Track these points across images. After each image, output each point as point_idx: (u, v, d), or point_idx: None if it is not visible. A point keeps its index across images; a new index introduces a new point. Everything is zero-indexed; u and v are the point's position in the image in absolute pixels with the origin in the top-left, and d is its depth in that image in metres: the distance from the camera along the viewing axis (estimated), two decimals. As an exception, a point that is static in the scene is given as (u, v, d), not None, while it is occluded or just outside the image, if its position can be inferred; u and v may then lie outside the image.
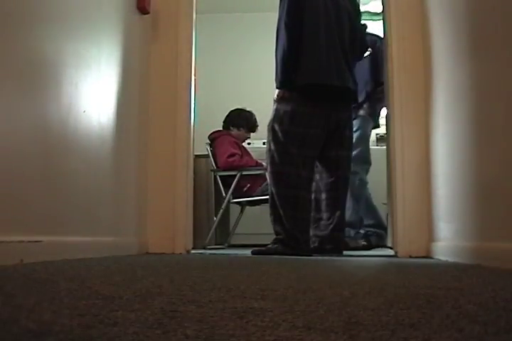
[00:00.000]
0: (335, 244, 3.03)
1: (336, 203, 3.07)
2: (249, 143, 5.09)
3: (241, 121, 4.62)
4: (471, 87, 2.25)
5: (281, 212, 2.96)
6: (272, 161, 3.03)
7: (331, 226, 3.03)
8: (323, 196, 3.09)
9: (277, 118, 3.04)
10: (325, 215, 3.07)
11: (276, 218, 2.99)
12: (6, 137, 1.67)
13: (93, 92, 2.38)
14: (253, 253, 2.99)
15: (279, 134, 3.02)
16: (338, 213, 3.05)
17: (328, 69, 2.98)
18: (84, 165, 2.26)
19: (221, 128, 4.67)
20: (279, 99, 3.04)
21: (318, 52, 2.99)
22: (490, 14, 2.05)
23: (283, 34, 2.97)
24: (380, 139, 5.26)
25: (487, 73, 2.06)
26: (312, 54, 2.98)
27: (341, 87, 3.05)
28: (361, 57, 3.41)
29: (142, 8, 3.01)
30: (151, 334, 0.61)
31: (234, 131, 4.62)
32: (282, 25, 2.98)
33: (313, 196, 3.07)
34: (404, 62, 3.11)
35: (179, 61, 3.20)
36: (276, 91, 3.06)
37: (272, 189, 3.02)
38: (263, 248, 3.04)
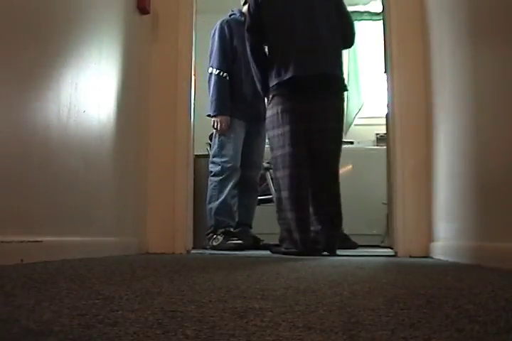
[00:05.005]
0: (329, 241, 2.98)
1: (330, 199, 3.00)
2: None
3: None
4: (472, 87, 2.25)
5: (286, 214, 2.97)
6: (275, 167, 3.08)
7: (324, 222, 2.99)
8: (314, 192, 2.99)
9: (269, 124, 3.12)
10: (317, 211, 2.99)
11: (281, 219, 3.03)
12: (7, 137, 1.67)
13: (93, 92, 2.38)
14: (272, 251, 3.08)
15: (274, 138, 3.07)
16: (333, 210, 3.00)
17: (297, 62, 2.99)
18: (84, 165, 2.26)
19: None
20: (268, 106, 3.16)
21: (286, 51, 3.04)
22: (490, 13, 2.04)
23: (251, 57, 3.18)
24: (380, 139, 5.25)
25: (488, 72, 2.06)
26: (282, 54, 3.05)
27: (317, 76, 3.00)
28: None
29: (142, 8, 3.01)
30: (151, 334, 0.61)
31: None
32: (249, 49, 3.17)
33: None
34: (404, 62, 3.11)
35: (179, 61, 3.20)
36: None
37: (276, 194, 3.10)
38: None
